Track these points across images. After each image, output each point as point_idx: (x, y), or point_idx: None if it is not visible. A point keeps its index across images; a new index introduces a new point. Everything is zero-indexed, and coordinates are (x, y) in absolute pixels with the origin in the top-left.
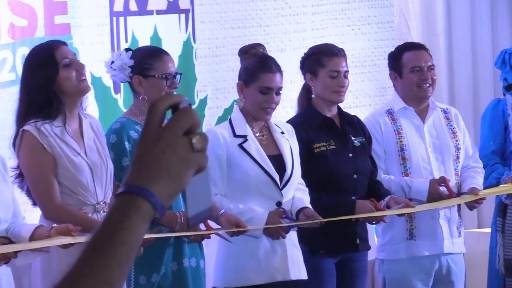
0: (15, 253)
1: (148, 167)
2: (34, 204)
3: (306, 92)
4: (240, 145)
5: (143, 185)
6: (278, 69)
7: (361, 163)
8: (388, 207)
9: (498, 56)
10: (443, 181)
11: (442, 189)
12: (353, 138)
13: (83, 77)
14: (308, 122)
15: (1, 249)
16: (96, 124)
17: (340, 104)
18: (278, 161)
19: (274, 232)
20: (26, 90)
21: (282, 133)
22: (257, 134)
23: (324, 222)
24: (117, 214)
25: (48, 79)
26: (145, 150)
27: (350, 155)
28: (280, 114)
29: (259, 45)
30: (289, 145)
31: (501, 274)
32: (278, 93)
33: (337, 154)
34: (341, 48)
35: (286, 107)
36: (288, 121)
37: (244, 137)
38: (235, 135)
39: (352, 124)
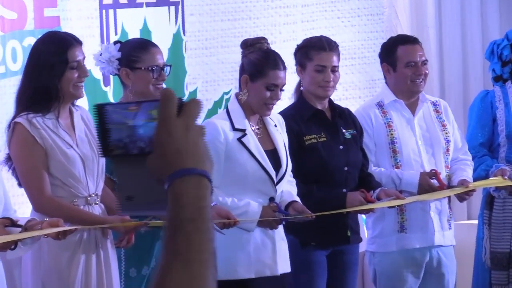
0: (15, 243)
1: (195, 153)
2: (20, 185)
3: (299, 83)
4: (239, 140)
5: (204, 168)
6: (284, 66)
7: (352, 155)
8: (378, 199)
9: (487, 48)
10: (434, 174)
11: (433, 181)
12: (344, 130)
13: (81, 83)
14: (299, 114)
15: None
16: (87, 115)
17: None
18: (273, 156)
19: (267, 224)
20: (31, 79)
21: (275, 126)
22: (254, 128)
23: (314, 216)
24: (196, 194)
25: (54, 76)
26: (180, 139)
27: (341, 147)
28: None
29: (263, 39)
30: (282, 138)
31: (487, 267)
32: (281, 90)
33: (328, 147)
34: (334, 42)
35: None
36: (279, 113)
37: (243, 131)
38: (234, 128)
39: (343, 116)
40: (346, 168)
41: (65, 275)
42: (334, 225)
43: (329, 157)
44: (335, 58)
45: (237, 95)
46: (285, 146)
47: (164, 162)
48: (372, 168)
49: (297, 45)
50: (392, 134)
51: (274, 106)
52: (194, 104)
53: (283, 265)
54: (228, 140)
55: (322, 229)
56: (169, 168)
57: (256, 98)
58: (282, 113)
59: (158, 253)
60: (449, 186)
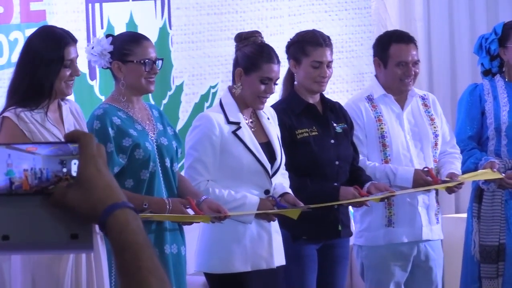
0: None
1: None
2: None
3: (290, 76)
4: (234, 133)
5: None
6: (278, 60)
7: (343, 149)
8: (369, 193)
9: (476, 42)
10: (427, 172)
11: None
12: (335, 124)
13: (72, 82)
14: (291, 108)
15: None
16: (75, 108)
17: None
18: (267, 148)
19: (265, 216)
20: (25, 74)
21: (268, 118)
22: (247, 121)
23: (311, 208)
24: (138, 223)
25: (50, 73)
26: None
27: (332, 141)
28: None
29: (257, 32)
30: (275, 131)
31: (476, 260)
32: (275, 83)
33: (320, 140)
34: (327, 36)
35: None
36: (272, 105)
37: (237, 124)
38: (228, 122)
39: (334, 110)
40: (337, 162)
41: (54, 269)
42: (326, 219)
43: (321, 151)
44: (330, 53)
45: (230, 88)
46: (278, 139)
47: (94, 197)
48: (366, 163)
49: (290, 39)
50: (382, 128)
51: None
52: (100, 146)
53: (279, 258)
54: (223, 133)
55: (313, 222)
56: (101, 202)
57: (250, 91)
58: (273, 106)
59: None
60: (443, 181)
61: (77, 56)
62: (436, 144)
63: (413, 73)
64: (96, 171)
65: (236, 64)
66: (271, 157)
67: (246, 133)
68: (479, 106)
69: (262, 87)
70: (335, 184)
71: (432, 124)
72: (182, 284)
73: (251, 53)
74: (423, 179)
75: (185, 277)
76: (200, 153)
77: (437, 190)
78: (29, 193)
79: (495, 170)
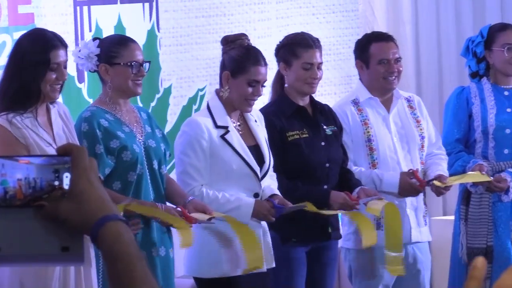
0: None
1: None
2: None
3: (280, 79)
4: (222, 137)
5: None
6: (265, 62)
7: (333, 151)
8: (358, 198)
9: (464, 45)
10: (412, 174)
11: (413, 180)
12: (325, 127)
13: (58, 85)
14: (281, 110)
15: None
16: (64, 110)
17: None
18: (256, 151)
19: (262, 216)
20: (13, 77)
21: (256, 121)
22: (235, 124)
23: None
24: (130, 235)
25: (36, 76)
26: (100, 188)
27: (323, 143)
28: None
29: (243, 35)
30: (263, 134)
31: (464, 262)
32: (263, 86)
33: (310, 143)
34: (317, 39)
35: None
36: (261, 109)
37: (225, 128)
38: (216, 126)
39: (324, 113)
40: (327, 165)
41: (42, 272)
42: (315, 222)
43: (311, 153)
44: (320, 54)
45: (217, 91)
46: (266, 142)
47: (86, 209)
48: (352, 168)
49: (280, 42)
50: (368, 132)
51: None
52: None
53: (269, 260)
54: (212, 137)
55: (303, 225)
56: (93, 214)
57: (237, 94)
58: (263, 109)
59: None
60: (428, 182)
61: (66, 60)
62: (422, 146)
63: (395, 70)
64: (88, 184)
65: (223, 67)
66: (260, 160)
67: (235, 137)
68: (466, 109)
69: (250, 89)
70: (325, 186)
71: (418, 126)
72: (170, 287)
73: (238, 56)
74: (409, 183)
75: (174, 279)
76: (191, 158)
77: (425, 192)
78: (22, 205)
79: (483, 172)
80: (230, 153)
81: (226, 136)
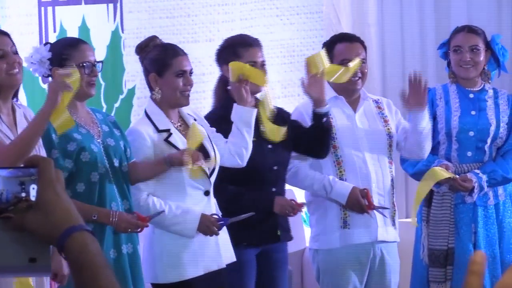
0: None
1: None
2: None
3: (222, 84)
4: (166, 140)
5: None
6: (184, 52)
7: (281, 154)
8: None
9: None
10: (365, 194)
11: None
12: None
13: (13, 70)
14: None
15: None
16: (29, 114)
17: (270, 95)
18: (201, 149)
19: (207, 230)
20: None
21: (195, 120)
22: (176, 126)
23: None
24: (96, 245)
25: None
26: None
27: (270, 146)
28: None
29: (154, 37)
30: (205, 131)
31: (425, 264)
32: (191, 73)
33: (258, 146)
34: (256, 38)
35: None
36: (205, 117)
37: (168, 131)
38: (158, 131)
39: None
40: (275, 167)
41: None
42: (265, 225)
43: (259, 157)
44: (261, 53)
45: (152, 97)
46: (209, 138)
47: (53, 220)
48: (308, 172)
49: (220, 46)
50: (332, 130)
51: (202, 112)
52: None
53: (228, 256)
54: (155, 143)
55: (253, 228)
56: (59, 225)
57: (170, 90)
58: (208, 116)
59: (107, 249)
60: (376, 207)
61: (12, 46)
62: (390, 145)
63: (359, 71)
64: (55, 195)
65: (147, 72)
66: (205, 157)
67: (178, 138)
68: (430, 111)
69: (180, 81)
70: (273, 189)
71: (386, 126)
72: (139, 283)
73: (157, 55)
74: (357, 200)
75: (142, 276)
76: None
77: (393, 192)
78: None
79: (450, 171)
80: None
81: (170, 139)
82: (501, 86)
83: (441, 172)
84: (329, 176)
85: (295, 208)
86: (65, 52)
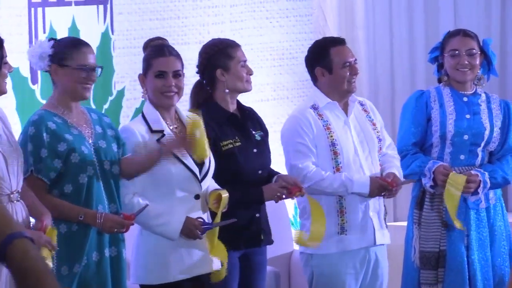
0: None
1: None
2: None
3: (200, 89)
4: (158, 141)
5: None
6: (172, 53)
7: (265, 158)
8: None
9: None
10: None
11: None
12: (254, 132)
13: None
14: (214, 119)
15: None
16: (3, 113)
17: (258, 97)
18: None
19: (190, 233)
20: None
21: None
22: (171, 127)
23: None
24: (36, 252)
25: None
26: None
27: (255, 150)
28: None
29: (158, 38)
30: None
31: (416, 266)
32: (176, 76)
33: (244, 151)
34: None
35: None
36: None
37: (161, 132)
38: (152, 131)
39: (250, 117)
40: (260, 172)
41: None
42: (248, 229)
43: (245, 161)
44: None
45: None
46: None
47: None
48: (322, 173)
49: (205, 53)
50: (332, 136)
51: (186, 112)
52: None
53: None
54: (147, 143)
55: (236, 233)
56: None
57: (152, 90)
58: None
59: (89, 251)
60: (402, 182)
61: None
62: (380, 149)
63: (357, 72)
64: None
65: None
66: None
67: None
68: (425, 113)
69: (159, 82)
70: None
71: (375, 129)
72: (121, 287)
73: (145, 56)
74: (380, 184)
75: (125, 280)
76: None
77: (384, 194)
78: None
79: (453, 171)
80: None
81: (162, 140)
82: (490, 90)
83: (458, 183)
84: (341, 173)
85: (291, 192)
86: (66, 51)
